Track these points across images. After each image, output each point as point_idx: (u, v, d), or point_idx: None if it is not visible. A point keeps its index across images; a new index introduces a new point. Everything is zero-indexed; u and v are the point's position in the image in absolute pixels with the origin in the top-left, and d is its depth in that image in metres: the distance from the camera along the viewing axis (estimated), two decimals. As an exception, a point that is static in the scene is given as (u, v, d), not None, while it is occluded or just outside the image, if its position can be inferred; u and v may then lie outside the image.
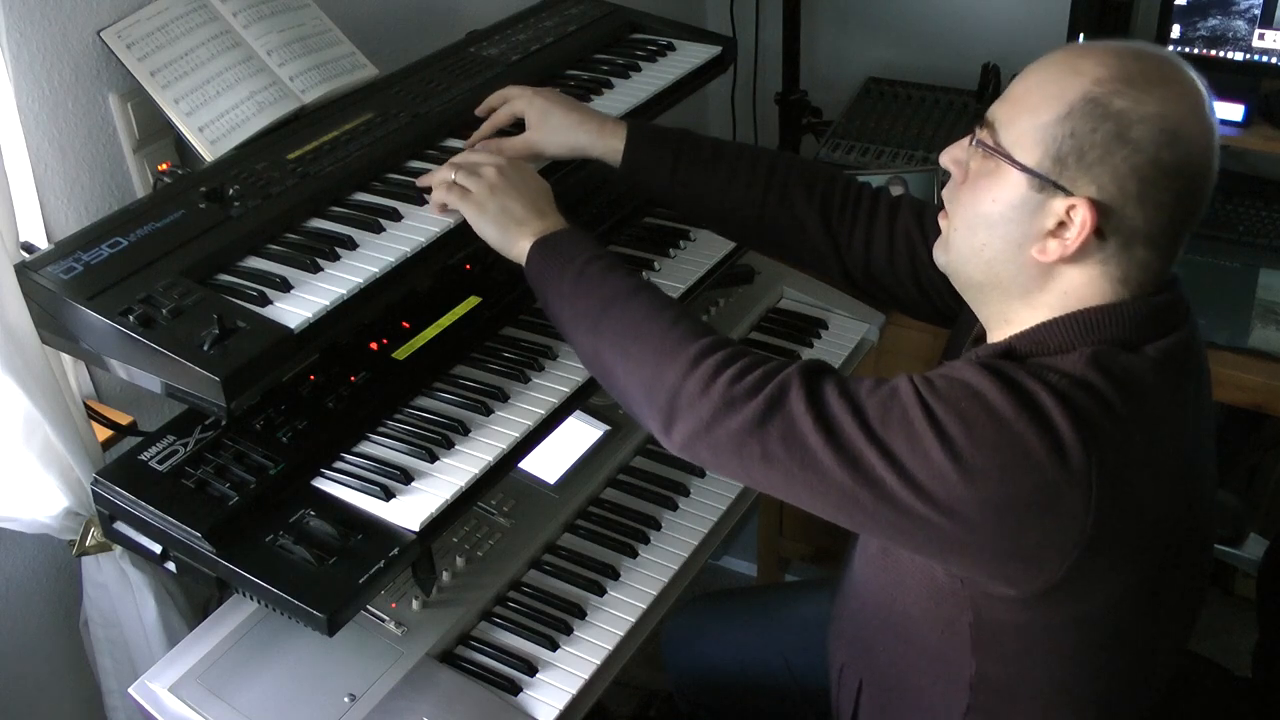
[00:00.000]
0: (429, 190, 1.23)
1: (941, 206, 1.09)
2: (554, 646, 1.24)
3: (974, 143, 1.02)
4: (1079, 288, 0.99)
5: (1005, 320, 1.05)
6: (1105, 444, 0.92)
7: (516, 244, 1.19)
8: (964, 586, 1.04)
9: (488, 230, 1.19)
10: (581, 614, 1.29)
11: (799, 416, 0.98)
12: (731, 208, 1.33)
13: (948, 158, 1.07)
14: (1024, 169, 0.97)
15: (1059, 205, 0.96)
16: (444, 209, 1.22)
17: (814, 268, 1.38)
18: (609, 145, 1.31)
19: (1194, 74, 0.96)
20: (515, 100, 1.33)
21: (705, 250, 1.53)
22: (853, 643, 1.27)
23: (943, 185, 1.12)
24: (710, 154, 1.33)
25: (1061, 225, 0.96)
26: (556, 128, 1.30)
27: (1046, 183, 0.96)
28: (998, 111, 1.01)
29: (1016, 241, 0.99)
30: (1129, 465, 0.94)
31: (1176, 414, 0.99)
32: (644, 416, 1.09)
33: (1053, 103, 0.95)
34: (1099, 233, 0.96)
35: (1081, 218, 0.95)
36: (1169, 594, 1.08)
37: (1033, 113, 0.97)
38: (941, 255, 1.09)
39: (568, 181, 1.33)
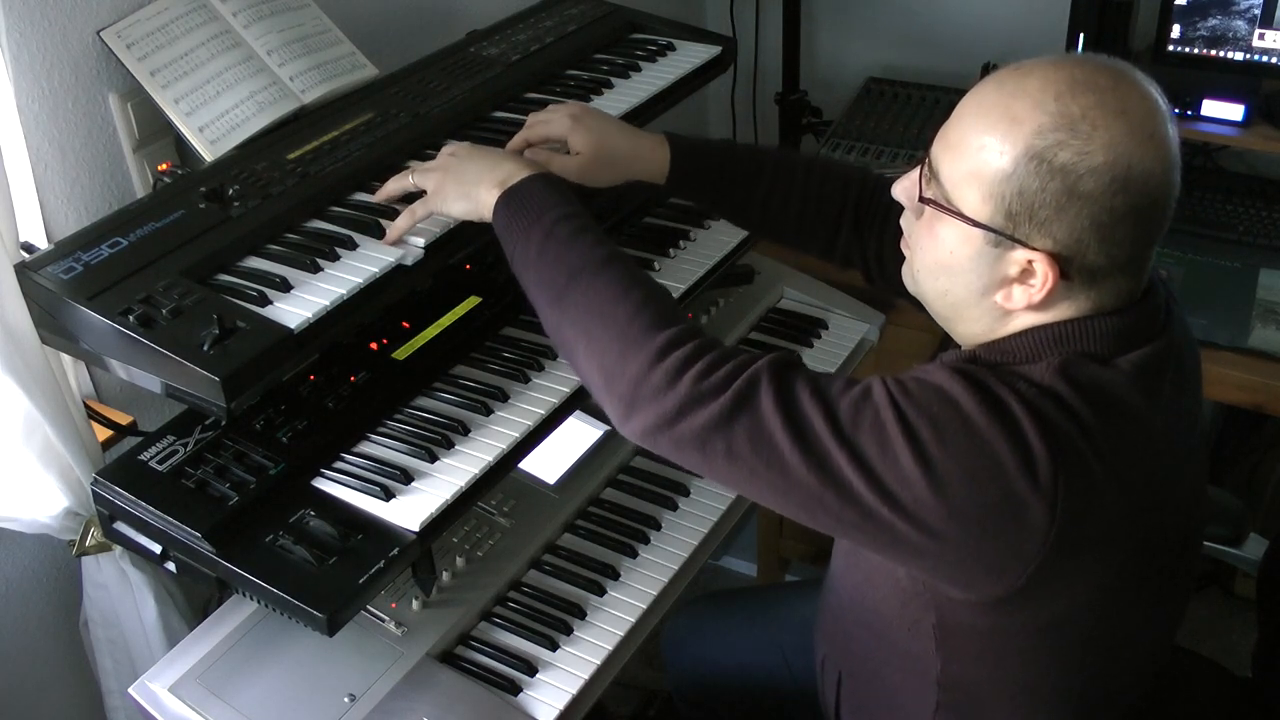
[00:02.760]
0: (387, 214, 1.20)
1: (901, 232, 1.09)
2: (554, 646, 1.24)
3: (921, 198, 1.00)
4: (1047, 319, 0.99)
5: (971, 344, 1.05)
6: (1072, 457, 0.91)
7: (484, 203, 1.14)
8: (926, 588, 1.04)
9: (455, 207, 1.16)
10: (581, 614, 1.29)
11: (768, 414, 0.96)
12: (772, 214, 1.33)
13: (899, 191, 1.05)
14: (976, 225, 0.95)
15: (1019, 256, 0.95)
16: (401, 238, 1.17)
17: (841, 263, 1.37)
18: (656, 169, 1.28)
19: (1144, 88, 0.93)
20: (554, 123, 1.27)
21: (705, 250, 1.53)
22: (832, 636, 1.28)
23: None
24: (751, 166, 1.31)
25: (1025, 273, 0.95)
26: (609, 164, 1.26)
27: (1002, 237, 0.94)
28: (941, 156, 0.98)
29: (979, 290, 0.99)
30: (1095, 477, 0.93)
31: (1150, 425, 0.97)
32: (601, 400, 1.05)
33: (995, 158, 0.92)
34: (1063, 275, 0.95)
35: (1043, 271, 0.94)
36: (1142, 599, 1.07)
37: (975, 165, 0.94)
38: (910, 283, 1.08)
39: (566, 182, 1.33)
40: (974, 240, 0.96)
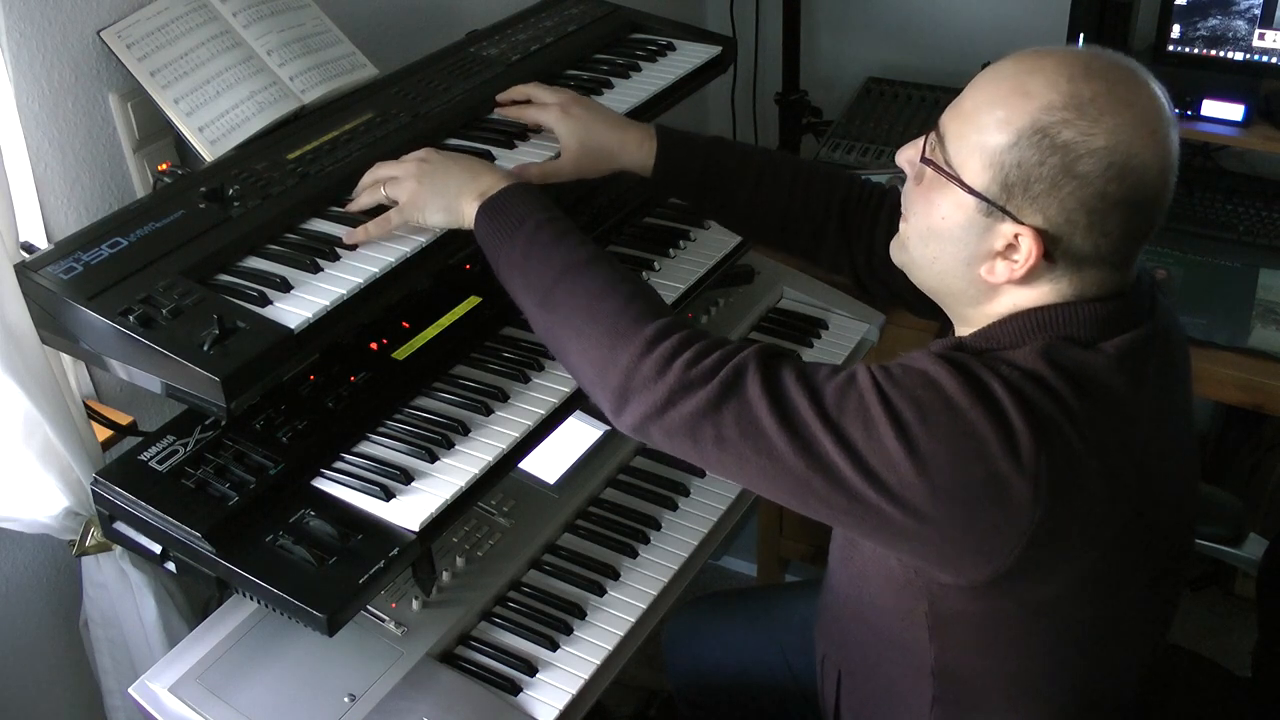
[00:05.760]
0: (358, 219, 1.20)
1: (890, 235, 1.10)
2: (554, 646, 1.24)
3: (923, 158, 1.02)
4: (1029, 300, 1.00)
5: (963, 320, 1.07)
6: (1056, 438, 0.93)
7: (463, 214, 1.16)
8: (918, 576, 1.05)
9: (434, 218, 1.18)
10: (581, 614, 1.29)
11: (755, 400, 0.97)
12: (756, 214, 1.35)
13: (903, 158, 1.06)
14: (972, 192, 0.97)
15: (1007, 229, 0.96)
16: (368, 233, 1.17)
17: (828, 268, 1.39)
18: (641, 161, 1.31)
19: (1153, 88, 0.95)
20: (545, 112, 1.31)
21: (705, 250, 1.53)
22: (831, 634, 1.29)
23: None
24: (737, 163, 1.34)
25: (1010, 247, 0.97)
26: (596, 157, 1.29)
27: (994, 208, 0.96)
28: (949, 123, 1.00)
29: (965, 259, 1.01)
30: (1078, 457, 0.94)
31: (1134, 409, 0.98)
32: (595, 394, 1.08)
33: (1001, 127, 0.94)
34: (1047, 256, 0.96)
35: (1028, 246, 0.95)
36: (1132, 589, 1.07)
37: (981, 134, 0.96)
38: (899, 254, 1.10)
39: (567, 183, 1.33)
40: (967, 208, 0.98)
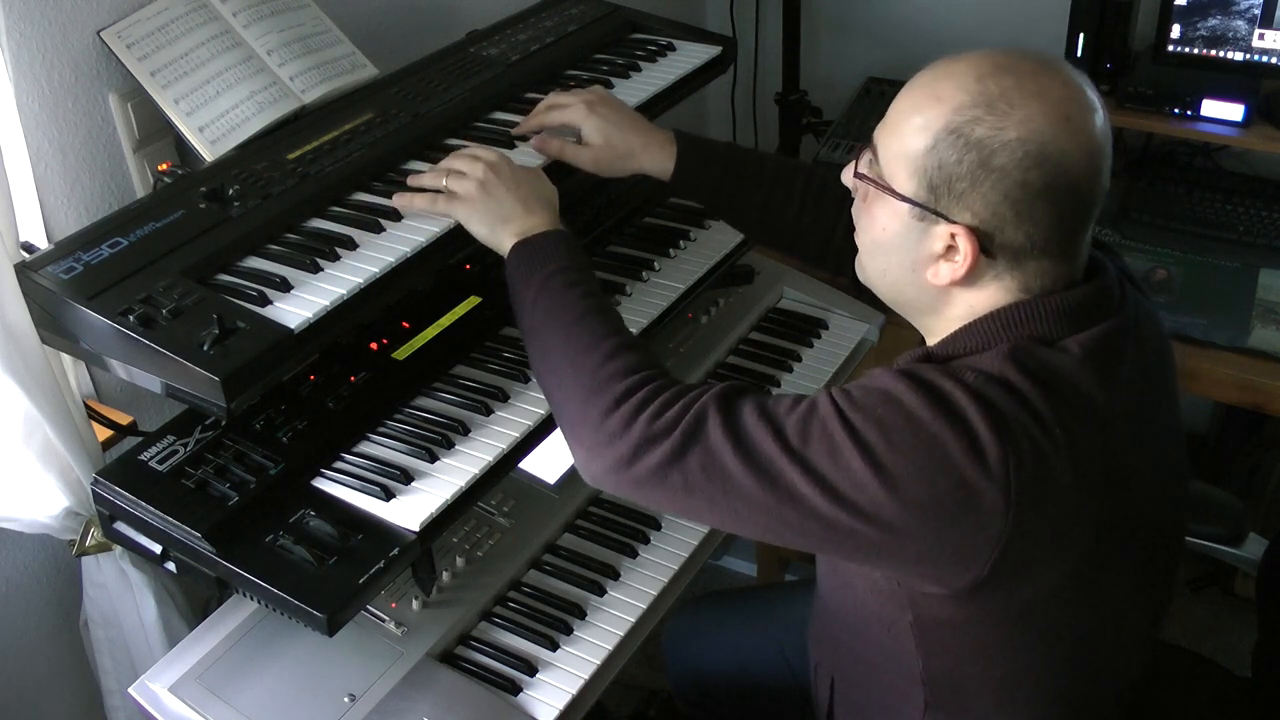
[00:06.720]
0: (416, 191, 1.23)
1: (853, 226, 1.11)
2: (554, 646, 1.24)
3: (855, 174, 1.05)
4: (982, 300, 1.01)
5: (928, 331, 1.08)
6: (1022, 440, 0.93)
7: (501, 244, 1.19)
8: (900, 587, 1.05)
9: (476, 229, 1.20)
10: (581, 614, 1.29)
11: (717, 443, 0.98)
12: (768, 221, 1.39)
13: (846, 177, 1.09)
14: (902, 199, 0.99)
15: (941, 230, 0.98)
16: (412, 204, 1.21)
17: (833, 271, 1.41)
18: (661, 165, 1.34)
19: (1069, 77, 0.96)
20: (570, 111, 1.33)
21: (705, 250, 1.54)
22: (823, 641, 1.29)
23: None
24: (752, 170, 1.37)
25: (950, 249, 0.99)
26: (618, 155, 1.32)
27: (926, 211, 0.98)
28: (879, 135, 1.03)
29: (910, 266, 1.02)
30: (1048, 459, 0.94)
31: (1104, 406, 0.98)
32: (568, 444, 1.10)
33: (920, 133, 0.97)
34: (986, 252, 0.98)
35: (964, 246, 0.97)
36: (1117, 589, 1.07)
37: (903, 142, 0.98)
38: (860, 274, 1.12)
39: (567, 182, 1.33)
40: (901, 215, 1.00)
